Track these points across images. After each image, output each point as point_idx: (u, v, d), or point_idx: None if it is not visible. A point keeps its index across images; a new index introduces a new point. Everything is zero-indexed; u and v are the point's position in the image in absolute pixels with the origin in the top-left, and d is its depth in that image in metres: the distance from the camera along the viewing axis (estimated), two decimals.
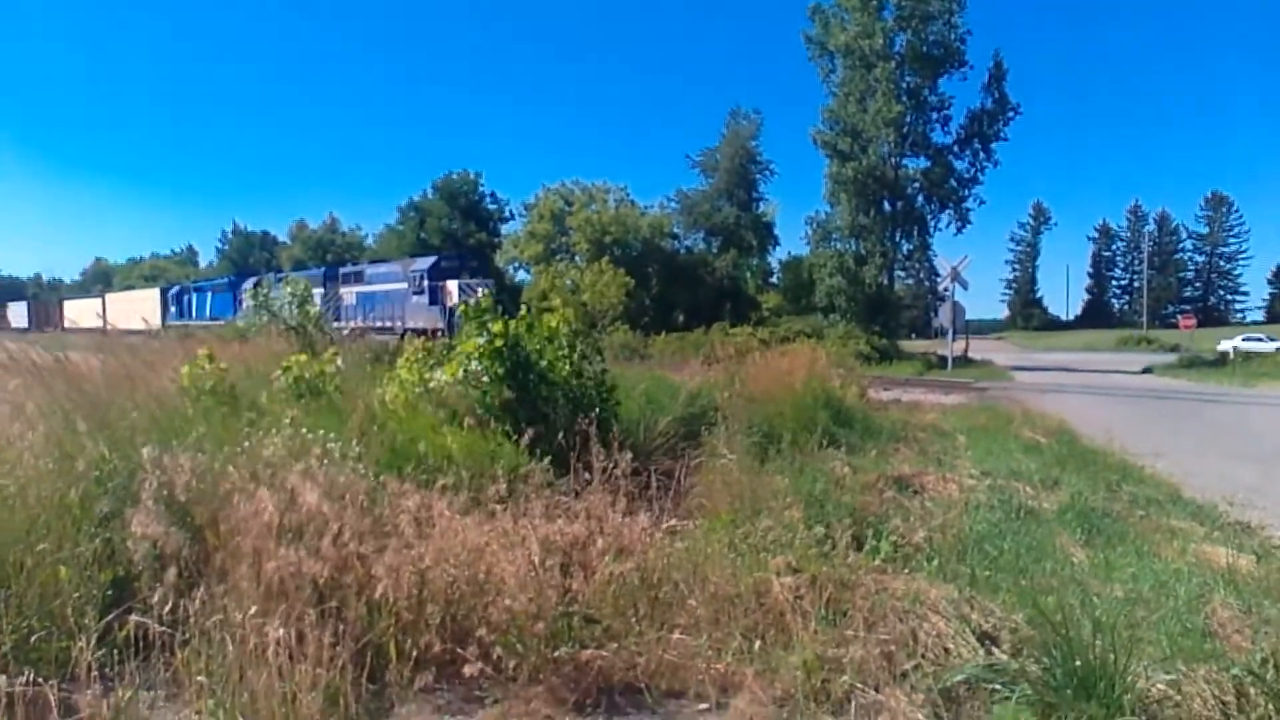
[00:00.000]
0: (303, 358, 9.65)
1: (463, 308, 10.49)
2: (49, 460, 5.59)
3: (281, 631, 3.98)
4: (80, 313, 77.66)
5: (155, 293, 69.66)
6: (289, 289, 30.88)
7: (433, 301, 39.46)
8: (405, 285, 41.71)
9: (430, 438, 7.66)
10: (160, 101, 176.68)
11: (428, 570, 4.76)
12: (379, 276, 45.68)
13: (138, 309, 65.60)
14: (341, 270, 50.76)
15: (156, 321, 58.27)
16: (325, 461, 5.58)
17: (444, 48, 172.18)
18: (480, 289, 32.57)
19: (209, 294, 62.04)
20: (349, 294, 45.66)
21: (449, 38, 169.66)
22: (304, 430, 6.23)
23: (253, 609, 4.20)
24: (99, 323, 68.89)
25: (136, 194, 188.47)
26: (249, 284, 54.42)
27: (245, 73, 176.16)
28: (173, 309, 62.44)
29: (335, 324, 43.29)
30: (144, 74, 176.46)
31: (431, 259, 43.03)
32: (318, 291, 42.57)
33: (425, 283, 40.11)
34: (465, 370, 9.08)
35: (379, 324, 41.71)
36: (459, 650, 4.49)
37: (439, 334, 33.58)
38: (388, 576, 4.56)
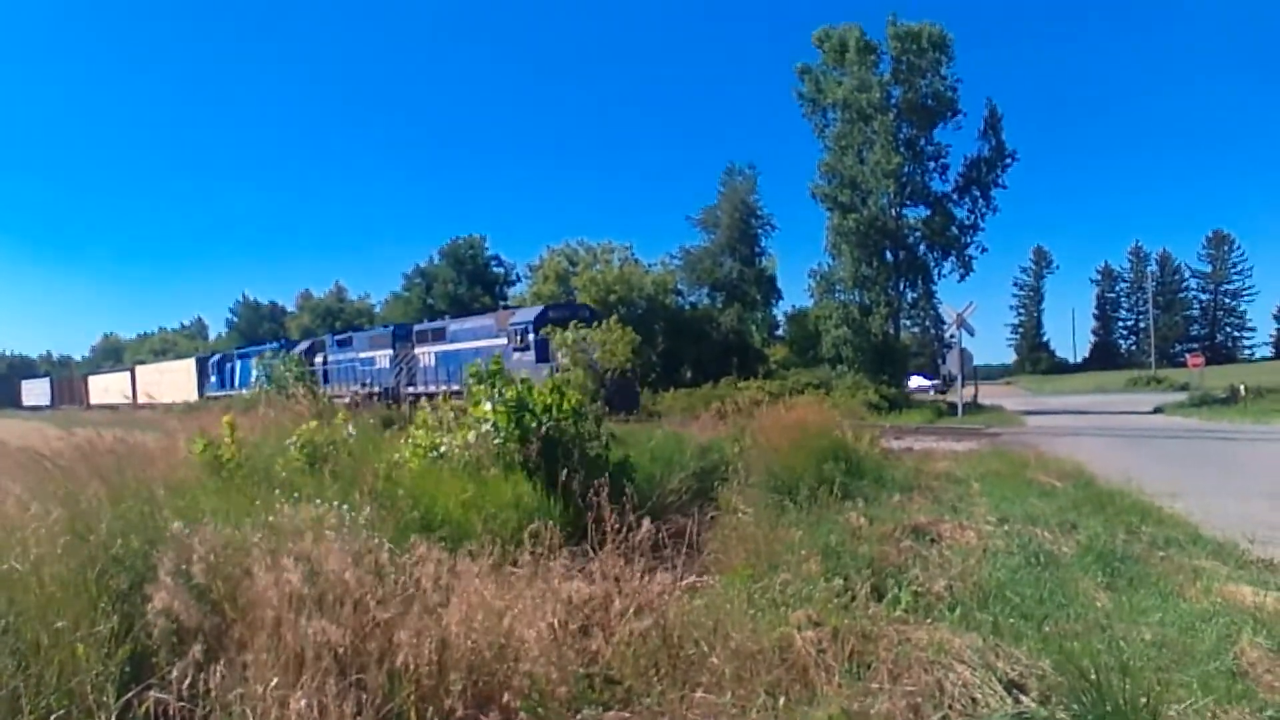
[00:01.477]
0: (314, 424, 9.69)
1: (471, 370, 10.46)
2: (64, 537, 5.59)
3: (303, 703, 3.95)
4: (106, 388, 76.05)
5: (190, 364, 66.24)
6: (287, 364, 31.76)
7: (541, 358, 33.95)
8: (503, 341, 36.18)
9: (447, 494, 7.68)
10: (163, 175, 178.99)
11: (449, 636, 4.73)
12: (467, 333, 39.88)
13: (172, 381, 63.12)
14: (416, 329, 45.68)
15: (193, 394, 56.14)
16: (342, 529, 5.59)
17: (446, 114, 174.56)
18: (597, 346, 31.10)
19: (254, 362, 56.53)
20: (426, 354, 41.43)
21: (450, 104, 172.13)
22: (318, 500, 6.26)
23: (274, 680, 4.17)
24: (127, 399, 67.49)
25: (143, 269, 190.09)
26: (301, 348, 52.30)
27: (248, 145, 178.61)
28: (213, 379, 58.89)
29: (408, 389, 40.04)
30: (145, 149, 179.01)
31: (537, 309, 37.95)
32: (388, 353, 42.40)
33: (531, 337, 34.98)
34: (477, 434, 9.12)
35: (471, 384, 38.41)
36: (481, 716, 4.45)
37: None
38: (409, 644, 4.53)
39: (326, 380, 46.36)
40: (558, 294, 61.49)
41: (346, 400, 40.52)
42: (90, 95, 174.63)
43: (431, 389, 37.05)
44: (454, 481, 8.34)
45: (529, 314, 36.95)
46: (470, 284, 77.47)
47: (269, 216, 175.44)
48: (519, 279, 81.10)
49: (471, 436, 9.18)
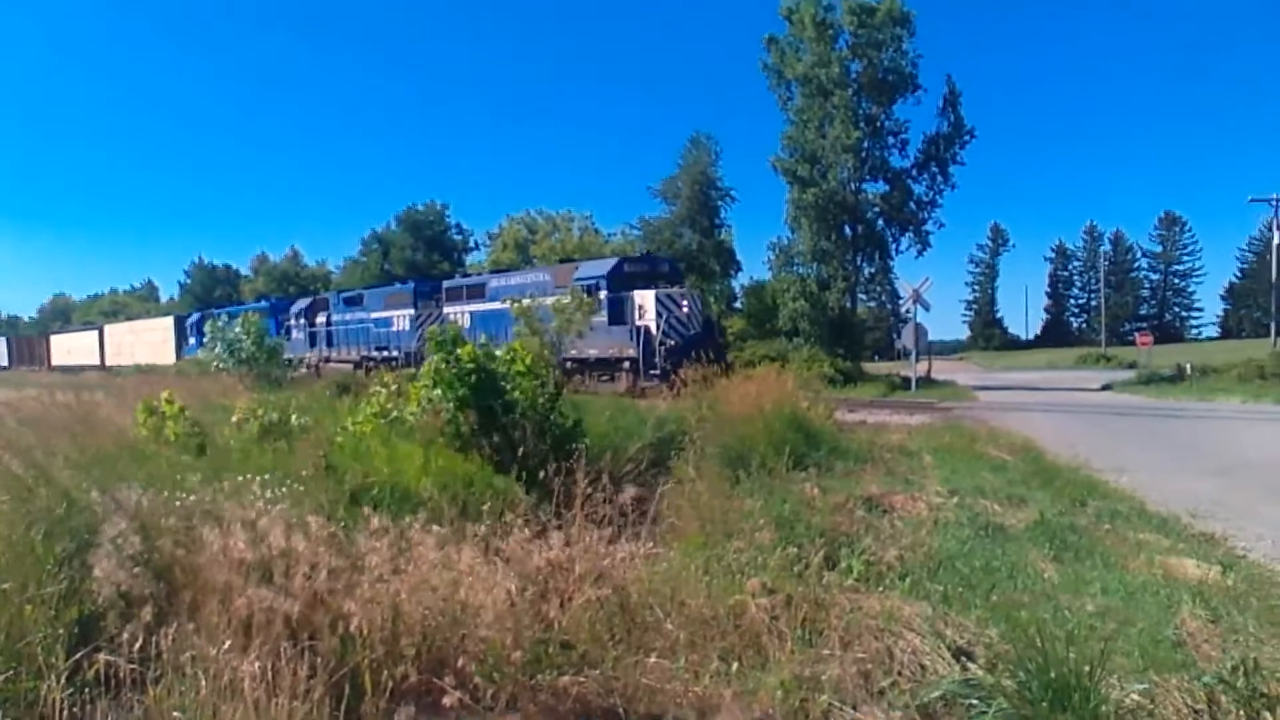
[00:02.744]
0: (259, 405, 9.60)
1: (431, 333, 10.18)
2: (6, 500, 5.51)
3: (256, 665, 3.93)
4: (71, 349, 70.86)
5: (168, 322, 59.87)
6: (240, 327, 30.09)
7: (616, 320, 29.04)
8: (567, 298, 30.41)
9: (401, 465, 7.63)
10: (115, 134, 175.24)
11: (401, 602, 4.72)
12: (514, 289, 32.53)
13: (146, 342, 58.65)
14: (446, 285, 39.39)
15: (170, 356, 51.71)
16: (289, 498, 5.56)
17: (403, 79, 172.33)
18: (685, 301, 28.61)
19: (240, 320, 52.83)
20: (459, 314, 34.92)
21: (408, 69, 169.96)
22: (269, 468, 6.21)
23: (226, 644, 4.15)
24: (95, 359, 63.33)
25: (93, 230, 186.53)
26: (299, 307, 48.17)
27: (203, 106, 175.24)
28: (190, 341, 51.75)
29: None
30: (98, 107, 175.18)
31: (610, 262, 31.85)
32: (407, 313, 37.59)
33: (603, 294, 29.16)
34: (427, 399, 9.07)
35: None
36: (436, 680, 4.45)
37: (626, 368, 27.91)
38: (362, 610, 4.52)
39: (331, 343, 43.67)
40: (516, 262, 61.10)
41: (353, 365, 37.34)
42: (39, 47, 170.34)
43: None
44: (405, 449, 8.30)
45: (600, 267, 31.56)
46: (428, 250, 76.84)
47: (223, 179, 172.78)
48: (477, 246, 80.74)
49: (424, 402, 9.13)
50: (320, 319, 45.10)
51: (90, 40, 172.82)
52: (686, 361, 24.45)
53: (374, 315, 40.34)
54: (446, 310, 36.27)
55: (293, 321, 47.36)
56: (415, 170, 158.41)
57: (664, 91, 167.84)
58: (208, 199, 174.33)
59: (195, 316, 53.56)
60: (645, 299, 28.58)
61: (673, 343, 27.17)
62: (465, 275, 44.39)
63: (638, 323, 28.37)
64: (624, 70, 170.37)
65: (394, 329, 38.52)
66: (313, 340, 45.17)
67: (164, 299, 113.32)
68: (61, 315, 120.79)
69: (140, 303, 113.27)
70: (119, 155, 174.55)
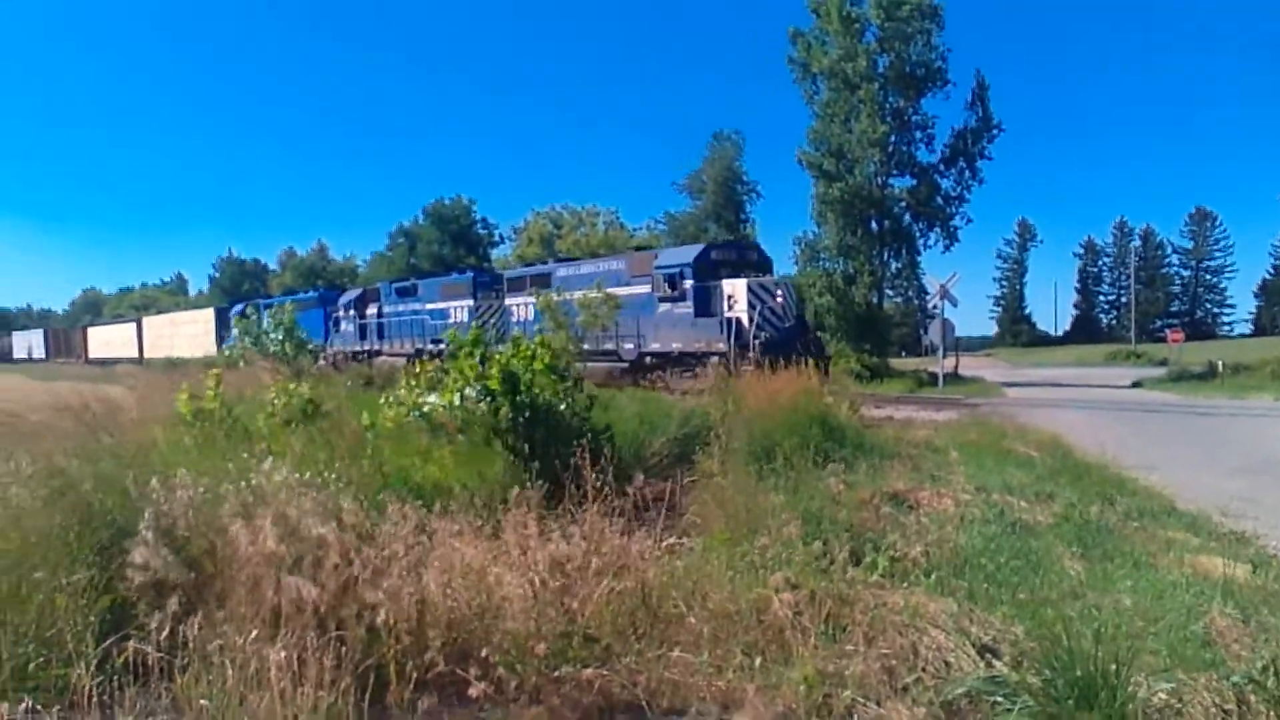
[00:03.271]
0: (293, 385, 9.66)
1: (451, 335, 10.07)
2: (44, 489, 5.58)
3: (282, 655, 3.97)
4: (109, 341, 70.36)
5: (208, 314, 57.72)
6: (273, 318, 29.86)
7: (703, 311, 26.90)
8: (644, 289, 28.78)
9: (428, 459, 7.68)
10: (145, 130, 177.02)
11: (428, 594, 4.75)
12: (584, 280, 30.21)
13: (186, 334, 56.52)
14: (507, 275, 37.29)
15: (211, 349, 48.70)
16: (321, 488, 5.59)
17: (433, 73, 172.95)
18: (780, 291, 26.56)
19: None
20: (522, 306, 32.93)
21: (438, 63, 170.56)
22: (299, 458, 6.26)
23: (254, 633, 4.19)
24: (132, 352, 62.46)
25: (123, 225, 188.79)
26: (348, 298, 45.76)
27: (233, 102, 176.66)
28: (234, 333, 48.28)
29: (498, 347, 33.72)
30: (129, 104, 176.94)
31: (696, 249, 29.40)
32: (465, 304, 35.55)
33: (688, 283, 27.40)
34: (460, 395, 9.09)
35: (584, 348, 26.91)
36: (460, 671, 4.48)
37: (708, 363, 25.06)
38: (389, 601, 4.56)
39: (382, 335, 41.31)
40: (542, 256, 61.16)
41: (407, 359, 35.95)
42: (70, 44, 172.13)
43: None
44: (432, 443, 8.34)
45: (684, 254, 29.22)
46: (454, 245, 77.08)
47: (252, 174, 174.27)
48: (503, 240, 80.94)
49: (457, 399, 9.16)
50: (371, 310, 43.22)
51: (120, 36, 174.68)
52: (783, 359, 24.66)
53: (429, 306, 38.22)
54: (508, 302, 34.41)
55: (341, 313, 45.46)
56: (441, 165, 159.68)
57: (689, 86, 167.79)
58: (236, 194, 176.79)
59: (239, 308, 48.96)
60: (736, 288, 26.34)
61: (766, 336, 25.25)
62: (528, 265, 42.06)
63: (727, 314, 26.05)
64: (649, 65, 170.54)
65: (451, 320, 35.26)
66: (363, 333, 43.21)
67: (193, 293, 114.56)
68: (92, 309, 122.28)
69: (170, 296, 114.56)
70: (149, 151, 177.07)
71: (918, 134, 43.84)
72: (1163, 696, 4.26)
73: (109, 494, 5.67)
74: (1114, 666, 4.10)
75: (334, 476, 6.23)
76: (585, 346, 26.77)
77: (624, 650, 4.85)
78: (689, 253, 28.89)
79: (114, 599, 4.80)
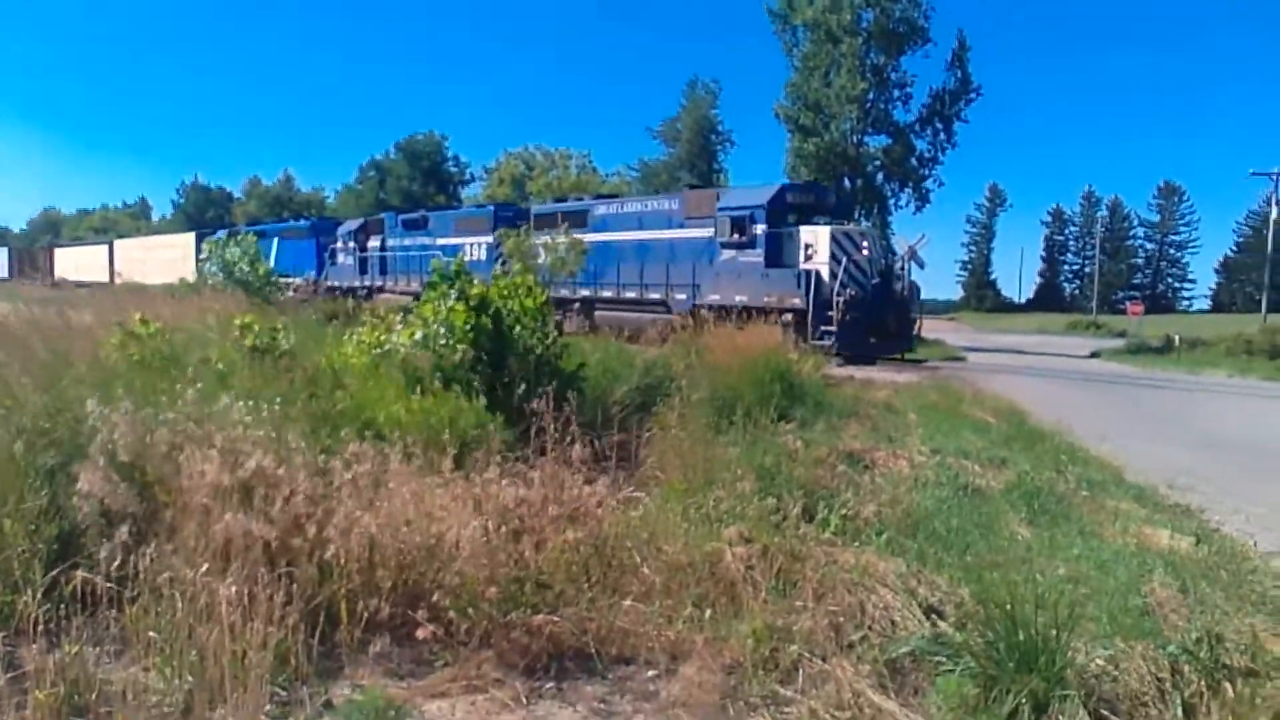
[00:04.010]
0: (251, 318, 9.52)
1: (435, 265, 9.72)
2: None
3: (232, 589, 3.95)
4: (79, 264, 67.05)
5: (188, 239, 53.27)
6: (235, 247, 29.00)
7: (774, 261, 23.76)
8: (702, 232, 25.42)
9: (386, 399, 7.62)
10: (108, 51, 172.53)
11: (378, 534, 4.74)
12: (628, 219, 28.06)
13: (164, 259, 52.19)
14: (535, 210, 33.22)
15: (191, 276, 43.40)
16: (271, 423, 5.55)
17: (409, 5, 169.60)
18: (866, 242, 23.83)
19: (275, 241, 45.38)
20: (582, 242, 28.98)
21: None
22: (254, 392, 6.20)
23: (204, 566, 4.17)
24: (103, 276, 58.34)
25: (85, 144, 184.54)
26: (347, 229, 43.10)
27: (199, 25, 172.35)
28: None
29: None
30: (94, 22, 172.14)
31: (771, 189, 25.10)
32: (484, 240, 31.55)
33: (759, 228, 23.87)
34: (424, 333, 9.01)
35: (628, 296, 26.95)
36: (410, 613, 4.49)
37: (788, 322, 22.12)
38: (339, 539, 4.55)
39: (385, 270, 38.65)
40: (513, 197, 60.63)
41: (414, 297, 32.60)
42: None
43: (564, 292, 27.91)
44: (395, 380, 8.28)
45: (754, 195, 25.17)
46: (425, 181, 76.22)
47: (218, 99, 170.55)
48: (473, 179, 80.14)
49: (419, 335, 9.07)
50: (373, 243, 40.19)
51: None
52: (868, 326, 22.54)
53: (440, 242, 34.29)
54: (536, 241, 29.29)
55: (339, 245, 42.82)
56: (413, 100, 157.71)
57: (665, 30, 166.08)
58: (202, 119, 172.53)
59: (221, 235, 45.47)
60: (817, 236, 23.25)
61: (852, 293, 22.50)
62: (561, 200, 37.30)
63: (804, 266, 23.02)
64: (625, 6, 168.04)
65: (467, 259, 28.88)
66: (363, 267, 40.37)
67: (155, 218, 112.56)
68: (52, 229, 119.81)
69: (132, 220, 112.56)
70: (113, 66, 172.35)
71: (895, 92, 43.62)
72: (1100, 663, 4.36)
73: (58, 417, 5.61)
74: (1054, 632, 4.18)
75: (289, 412, 6.19)
76: (629, 295, 26.38)
77: (576, 597, 4.88)
78: (762, 193, 25.06)
79: (63, 527, 4.76)
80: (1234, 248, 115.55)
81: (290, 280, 40.31)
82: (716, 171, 63.37)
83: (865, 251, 23.45)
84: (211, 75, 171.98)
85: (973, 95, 43.42)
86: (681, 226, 26.30)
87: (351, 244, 41.84)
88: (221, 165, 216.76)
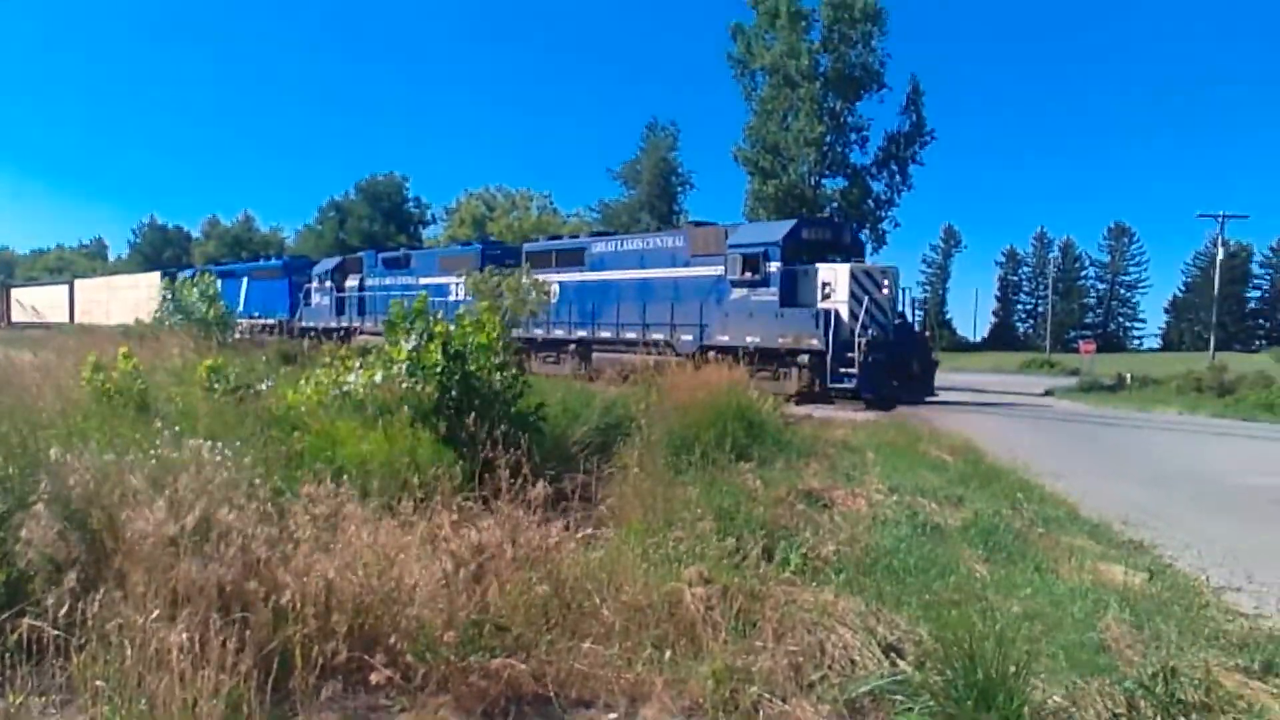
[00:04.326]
0: (213, 360, 9.46)
1: (394, 305, 9.70)
2: None
3: (183, 636, 3.87)
4: (36, 304, 64.44)
5: (153, 278, 49.69)
6: (194, 288, 28.73)
7: (790, 300, 23.09)
8: (711, 270, 24.74)
9: (345, 440, 7.55)
10: (61, 89, 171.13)
11: (335, 579, 4.68)
12: (628, 257, 27.40)
13: (129, 300, 50.21)
14: (527, 248, 32.31)
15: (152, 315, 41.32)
16: (228, 465, 5.47)
17: (367, 46, 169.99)
18: (886, 281, 23.11)
19: (245, 281, 45.19)
20: (545, 283, 27.60)
21: (371, 36, 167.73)
22: (211, 434, 6.13)
23: (154, 613, 4.08)
24: (62, 316, 57.46)
25: (40, 184, 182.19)
26: (324, 268, 41.62)
27: (158, 64, 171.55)
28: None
29: (513, 330, 25.90)
30: (48, 57, 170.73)
31: (786, 225, 24.70)
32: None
33: (773, 266, 23.09)
34: (385, 374, 8.93)
35: (628, 337, 26.07)
36: (366, 658, 4.42)
37: (804, 364, 22.26)
38: (295, 583, 4.48)
39: (364, 311, 37.60)
40: (473, 238, 60.62)
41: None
42: None
43: (559, 333, 28.63)
44: (354, 422, 8.21)
45: (768, 231, 24.83)
46: (385, 221, 76.14)
47: (178, 140, 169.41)
48: (434, 219, 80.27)
49: (378, 377, 8.99)
50: (351, 283, 39.27)
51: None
52: (891, 368, 21.80)
53: (424, 281, 32.80)
54: (495, 279, 28.60)
55: (314, 284, 41.57)
56: (373, 141, 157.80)
57: (626, 73, 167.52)
58: (159, 158, 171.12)
59: (188, 274, 42.71)
60: (836, 275, 22.59)
61: (874, 334, 21.94)
62: (555, 239, 36.22)
63: (822, 305, 22.37)
64: (587, 52, 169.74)
65: (451, 299, 28.96)
66: (340, 307, 39.38)
67: (112, 258, 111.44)
68: (5, 269, 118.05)
69: (88, 260, 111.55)
70: (69, 108, 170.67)
71: (852, 136, 44.59)
72: (1058, 700, 4.40)
73: (10, 460, 5.50)
74: (1013, 669, 4.21)
75: (246, 454, 6.11)
76: (629, 336, 25.43)
77: (535, 640, 4.84)
78: (775, 229, 24.60)
79: (9, 573, 4.65)
80: (1182, 288, 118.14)
81: (264, 321, 39.55)
82: (676, 213, 64.03)
83: (885, 290, 22.87)
84: (169, 114, 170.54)
85: (927, 138, 44.47)
86: (687, 265, 25.66)
87: (328, 283, 40.72)
88: (179, 205, 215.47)
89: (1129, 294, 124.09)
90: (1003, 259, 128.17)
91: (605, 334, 27.42)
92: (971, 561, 7.26)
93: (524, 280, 23.28)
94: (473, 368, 9.21)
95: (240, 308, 40.72)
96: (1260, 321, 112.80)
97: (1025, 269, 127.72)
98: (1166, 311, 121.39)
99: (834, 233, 25.51)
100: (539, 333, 29.19)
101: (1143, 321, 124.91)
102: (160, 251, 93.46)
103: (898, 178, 44.64)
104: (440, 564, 4.86)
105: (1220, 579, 7.23)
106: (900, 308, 24.34)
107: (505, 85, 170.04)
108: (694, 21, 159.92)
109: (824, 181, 44.71)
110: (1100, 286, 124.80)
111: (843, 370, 21.57)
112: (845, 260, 23.51)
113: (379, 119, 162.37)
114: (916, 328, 25.11)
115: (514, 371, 9.89)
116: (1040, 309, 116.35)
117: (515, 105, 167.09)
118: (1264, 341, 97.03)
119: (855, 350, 21.39)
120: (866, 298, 22.07)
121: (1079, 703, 4.40)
